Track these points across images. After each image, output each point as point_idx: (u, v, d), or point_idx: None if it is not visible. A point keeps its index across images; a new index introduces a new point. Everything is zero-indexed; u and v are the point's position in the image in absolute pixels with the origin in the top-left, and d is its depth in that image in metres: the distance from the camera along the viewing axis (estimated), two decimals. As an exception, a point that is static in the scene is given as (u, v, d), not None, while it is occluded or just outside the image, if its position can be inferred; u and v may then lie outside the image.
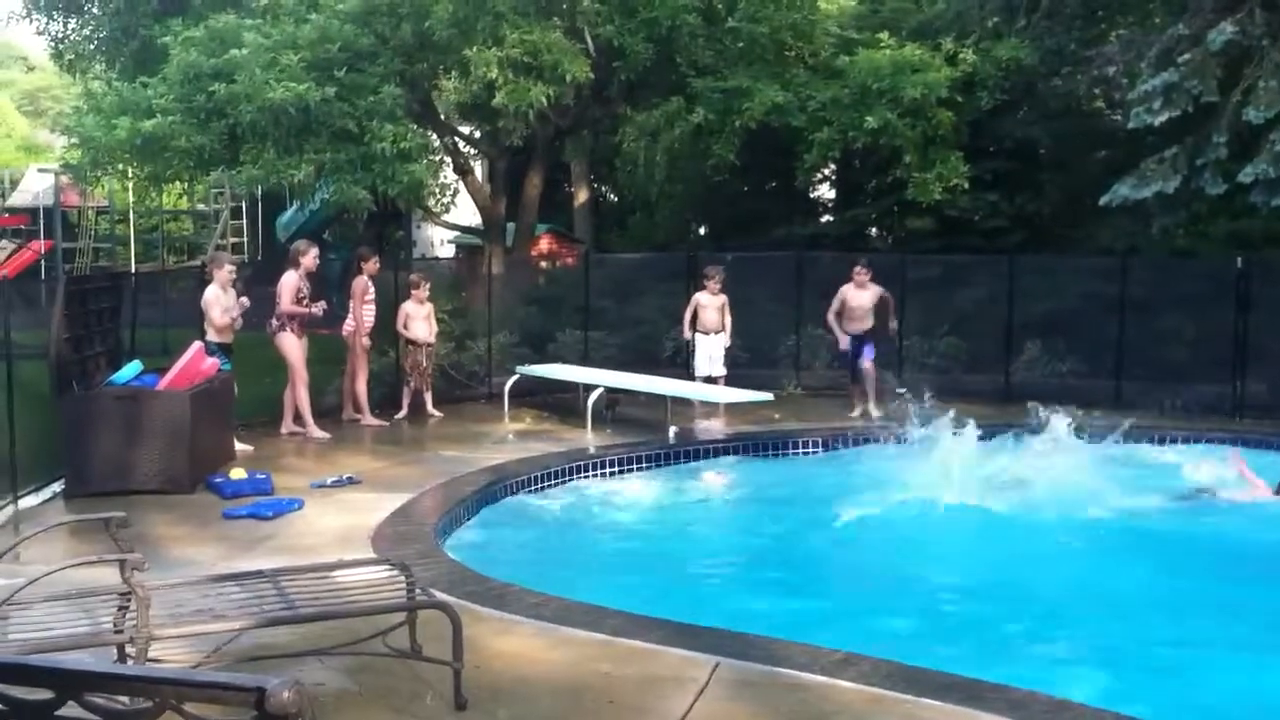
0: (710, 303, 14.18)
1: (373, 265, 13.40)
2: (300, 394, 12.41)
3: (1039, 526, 9.67)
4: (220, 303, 11.52)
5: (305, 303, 12.31)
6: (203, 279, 13.24)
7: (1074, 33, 18.42)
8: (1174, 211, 15.41)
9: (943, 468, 10.43)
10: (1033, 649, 7.10)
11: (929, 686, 5.58)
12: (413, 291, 13.79)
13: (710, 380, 13.89)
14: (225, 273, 11.77)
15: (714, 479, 11.65)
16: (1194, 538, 9.65)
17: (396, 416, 13.54)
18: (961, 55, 16.52)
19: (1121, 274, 14.96)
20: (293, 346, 12.28)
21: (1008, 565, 8.94)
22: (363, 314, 13.18)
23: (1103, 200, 15.40)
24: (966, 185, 16.53)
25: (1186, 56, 14.19)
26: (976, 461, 10.64)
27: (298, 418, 12.49)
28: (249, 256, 29.54)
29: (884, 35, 16.54)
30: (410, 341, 13.67)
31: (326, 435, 12.40)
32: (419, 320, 13.72)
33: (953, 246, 17.62)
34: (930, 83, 15.50)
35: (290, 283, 12.27)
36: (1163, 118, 14.35)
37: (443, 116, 17.46)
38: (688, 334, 14.31)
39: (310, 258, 12.52)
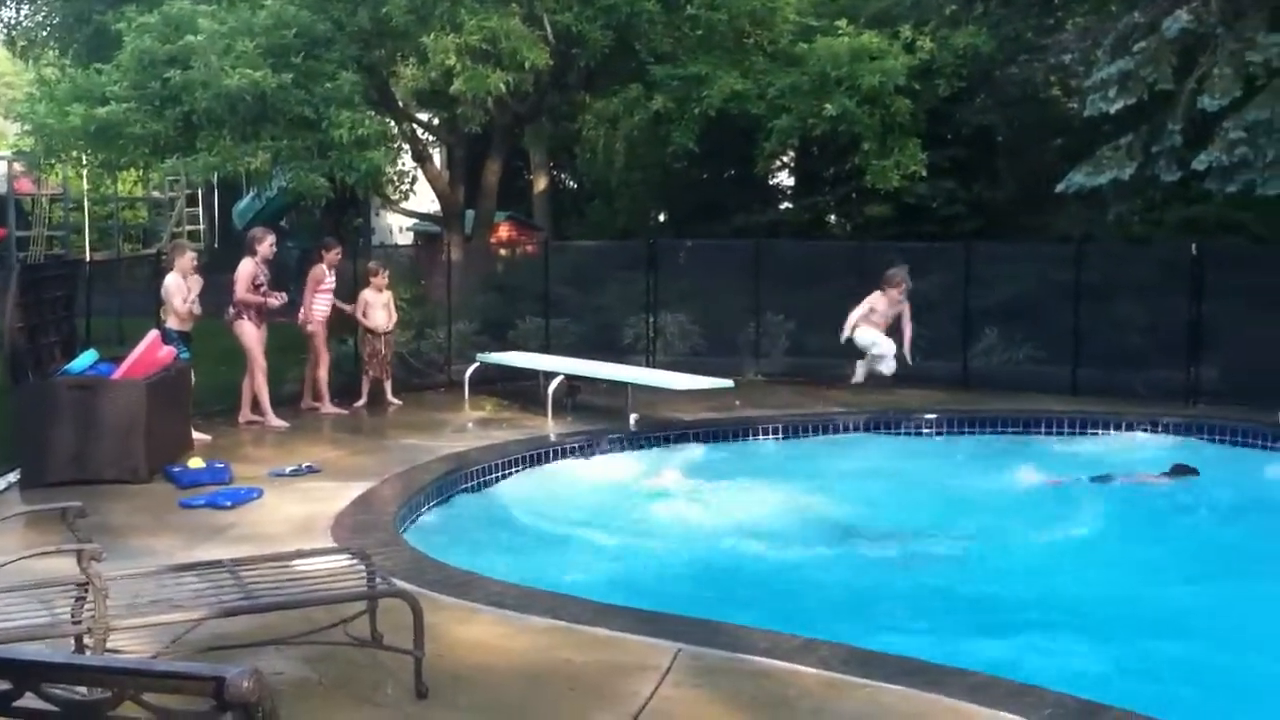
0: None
1: (333, 255, 13.34)
2: (259, 382, 12.35)
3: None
4: (181, 291, 11.46)
5: (263, 291, 12.24)
6: (159, 267, 13.15)
7: (1031, 20, 18.53)
8: (1129, 199, 15.53)
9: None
10: (998, 630, 7.16)
11: (889, 671, 5.61)
12: (371, 279, 13.75)
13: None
14: (187, 260, 11.72)
15: (675, 465, 11.65)
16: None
17: (355, 405, 13.49)
18: (919, 43, 16.55)
19: (1077, 261, 15.05)
20: (251, 335, 12.21)
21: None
22: (314, 302, 13.12)
23: (1059, 187, 15.51)
24: (924, 173, 16.58)
25: (1142, 44, 14.29)
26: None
27: (256, 406, 12.42)
28: (205, 244, 29.31)
29: (843, 23, 16.55)
30: (369, 330, 13.62)
31: (285, 424, 12.34)
32: (378, 308, 13.67)
33: (911, 234, 17.70)
34: (888, 70, 15.53)
35: (247, 270, 12.20)
36: (1118, 105, 14.45)
37: (400, 103, 17.38)
38: (852, 335, 14.07)
39: (266, 245, 12.45)
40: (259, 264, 12.30)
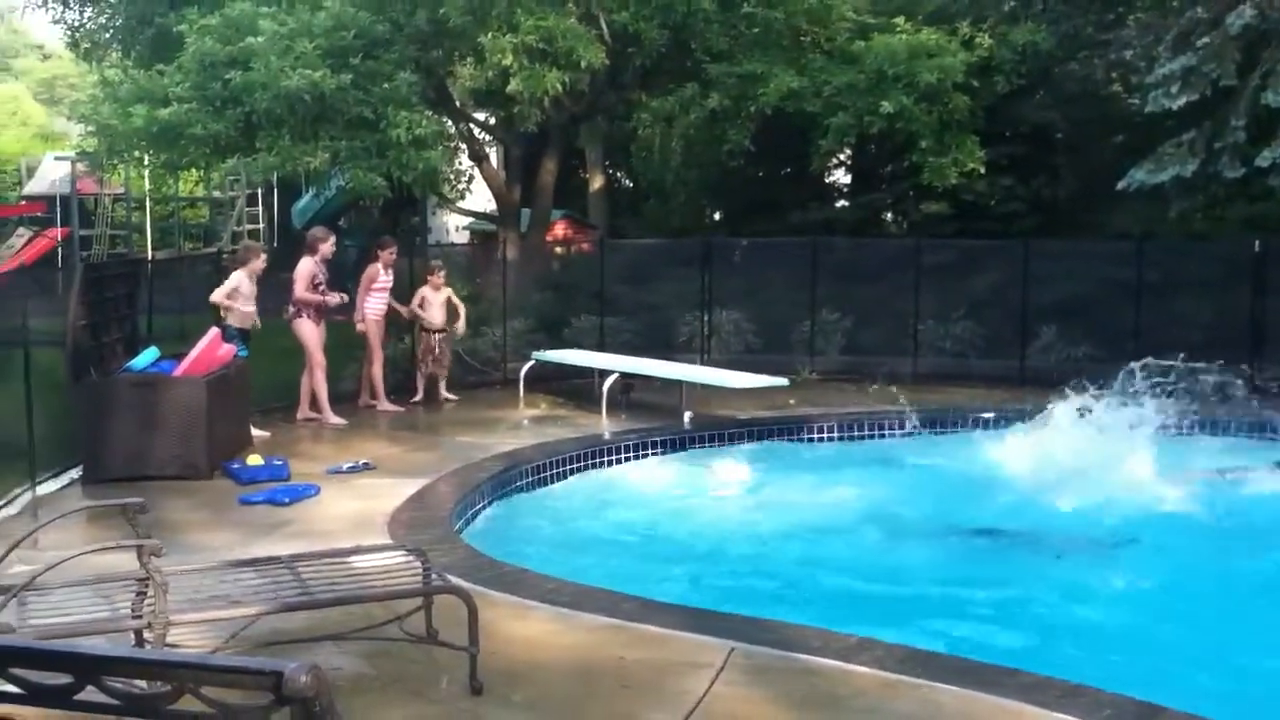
0: None
1: (388, 254, 13.40)
2: (317, 380, 12.45)
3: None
4: (244, 291, 11.56)
5: (322, 290, 12.34)
6: (219, 265, 13.29)
7: (1091, 16, 18.34)
8: (1191, 195, 15.35)
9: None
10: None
11: (944, 671, 5.58)
12: (429, 277, 13.83)
13: None
14: (259, 263, 11.82)
15: (730, 463, 11.63)
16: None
17: (411, 401, 13.58)
18: (978, 40, 16.45)
19: (1138, 258, 14.89)
20: (310, 333, 12.31)
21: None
22: (368, 301, 13.18)
23: (1120, 185, 15.35)
24: (982, 170, 16.47)
25: (1205, 40, 14.12)
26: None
27: (314, 404, 12.53)
28: (265, 243, 29.58)
29: (900, 20, 16.47)
30: (424, 327, 13.70)
31: (343, 421, 12.43)
32: (435, 306, 13.75)
33: (968, 231, 17.58)
34: (946, 67, 15.44)
35: (306, 269, 12.29)
36: (1180, 101, 14.29)
37: (458, 103, 17.46)
38: None
39: (327, 245, 12.55)
40: (319, 263, 12.40)
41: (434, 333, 13.71)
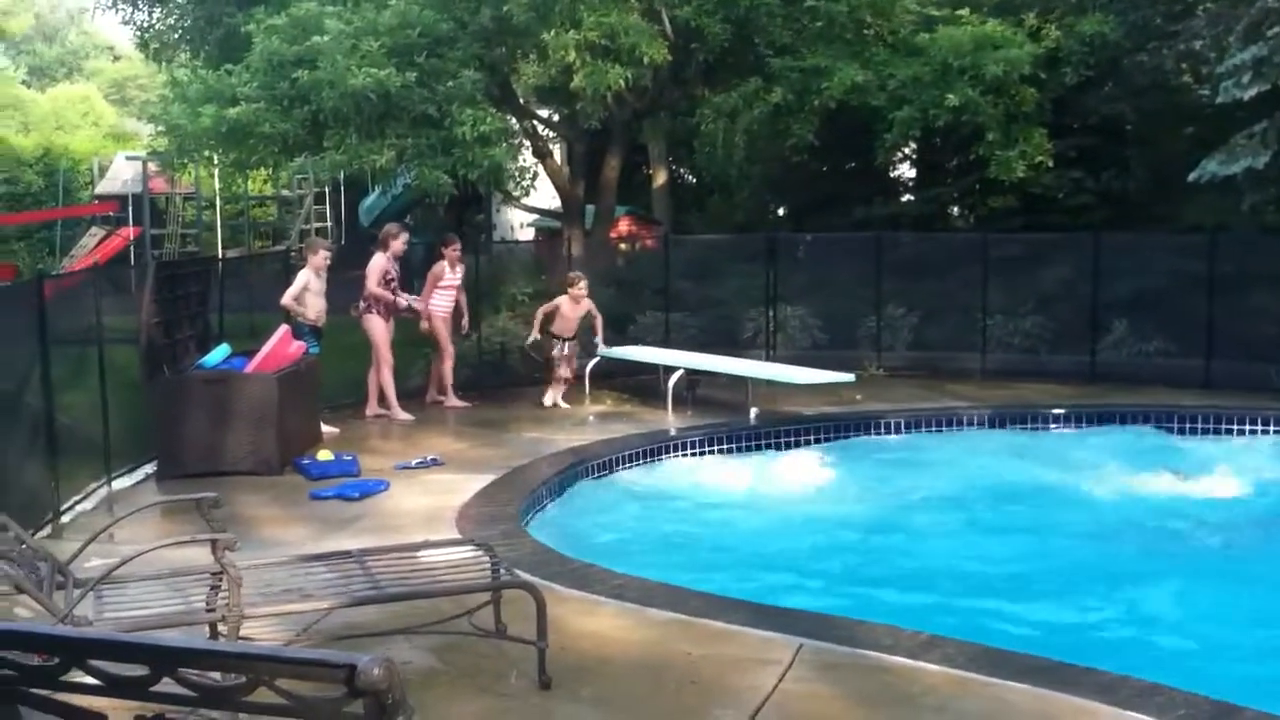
0: None
1: (453, 251, 13.41)
2: (385, 376, 12.54)
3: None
4: (312, 288, 11.65)
5: (393, 286, 12.43)
6: (288, 263, 13.42)
7: (1160, 6, 18.08)
8: (1264, 188, 15.08)
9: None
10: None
11: (1015, 669, 5.53)
12: (570, 289, 13.56)
13: None
14: (320, 258, 11.88)
15: (796, 459, 11.57)
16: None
17: (546, 405, 13.38)
18: (1045, 31, 16.27)
19: (1210, 251, 14.66)
20: (378, 329, 12.41)
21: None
22: (433, 298, 13.22)
23: (1191, 177, 15.12)
24: (1050, 163, 16.29)
25: (1276, 29, 13.89)
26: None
27: (382, 399, 12.62)
28: (333, 240, 29.82)
29: (965, 11, 16.32)
30: (555, 334, 13.54)
31: (410, 417, 12.51)
32: (571, 319, 13.55)
33: (1036, 225, 17.39)
34: (1013, 59, 15.27)
35: (378, 265, 12.39)
36: (1252, 92, 14.07)
37: (521, 100, 17.49)
38: None
39: (400, 242, 12.67)
40: (390, 260, 12.49)
41: (565, 340, 13.50)
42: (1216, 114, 16.12)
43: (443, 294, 13.29)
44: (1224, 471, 10.71)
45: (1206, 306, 14.42)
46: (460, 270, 13.52)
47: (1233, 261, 14.80)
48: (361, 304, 12.40)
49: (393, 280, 12.46)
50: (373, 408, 12.69)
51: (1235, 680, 5.94)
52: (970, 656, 5.69)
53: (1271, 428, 12.36)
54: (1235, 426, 12.49)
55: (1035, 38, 16.00)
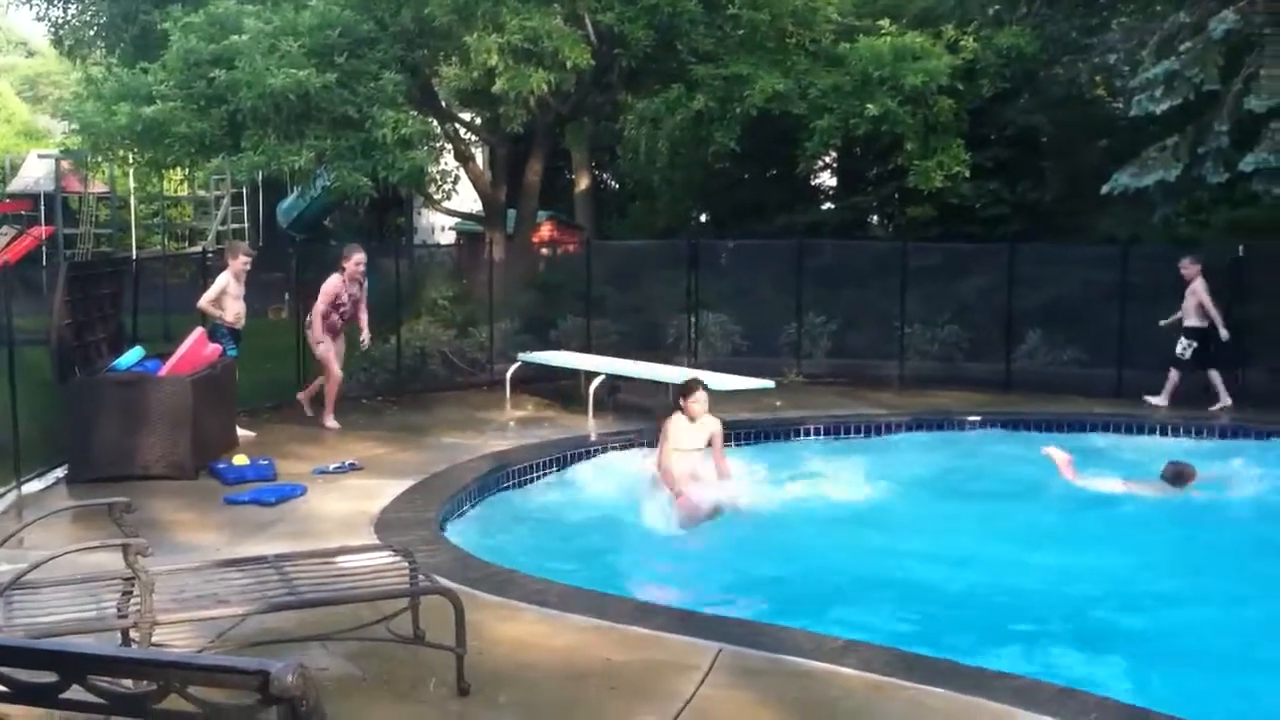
0: None
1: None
2: (330, 388, 12.36)
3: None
4: (231, 291, 11.51)
5: (342, 311, 12.22)
6: (204, 265, 13.24)
7: (1075, 20, 18.42)
8: (1175, 200, 15.40)
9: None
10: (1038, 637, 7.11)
11: (933, 673, 5.58)
12: (685, 404, 10.40)
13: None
14: (240, 262, 11.71)
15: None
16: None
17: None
18: (963, 43, 16.49)
19: (1122, 262, 14.95)
20: (326, 349, 12.25)
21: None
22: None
23: (1104, 189, 15.40)
24: (968, 173, 16.52)
25: (1188, 45, 14.18)
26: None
27: (318, 399, 12.45)
28: (250, 242, 29.50)
29: (885, 22, 16.50)
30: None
31: (337, 426, 12.27)
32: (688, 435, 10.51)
33: (953, 234, 17.63)
34: (931, 70, 15.46)
35: (331, 287, 12.20)
36: (1164, 106, 14.35)
37: (443, 103, 17.41)
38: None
39: (353, 262, 12.33)
40: (345, 282, 12.26)
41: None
42: (1130, 127, 16.46)
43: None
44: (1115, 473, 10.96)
45: (1118, 316, 14.69)
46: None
47: (1144, 272, 15.09)
48: (309, 319, 12.24)
49: (343, 305, 12.24)
50: (309, 393, 12.55)
51: (1146, 672, 6.06)
52: (887, 661, 5.74)
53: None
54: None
55: (953, 49, 16.22)
